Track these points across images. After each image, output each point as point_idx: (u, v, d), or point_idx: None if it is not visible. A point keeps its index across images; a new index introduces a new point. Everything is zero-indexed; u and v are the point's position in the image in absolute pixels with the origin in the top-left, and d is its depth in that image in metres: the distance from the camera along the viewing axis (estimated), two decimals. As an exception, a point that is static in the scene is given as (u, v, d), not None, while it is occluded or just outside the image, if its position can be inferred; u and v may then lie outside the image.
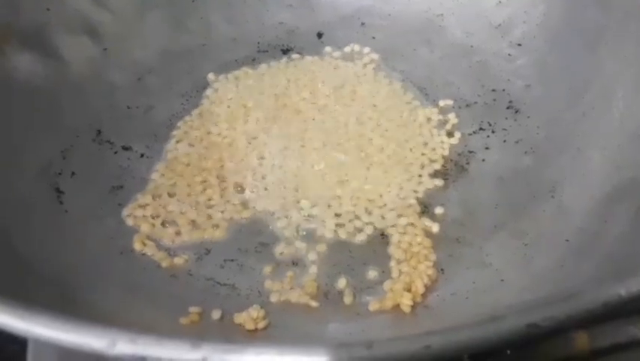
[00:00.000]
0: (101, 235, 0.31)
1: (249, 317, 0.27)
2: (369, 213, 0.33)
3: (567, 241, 0.29)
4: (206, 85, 0.40)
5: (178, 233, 0.32)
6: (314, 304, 0.29)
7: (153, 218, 0.32)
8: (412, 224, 0.32)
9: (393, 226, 0.32)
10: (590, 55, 0.35)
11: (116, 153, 0.36)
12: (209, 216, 0.33)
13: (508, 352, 0.31)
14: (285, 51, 0.43)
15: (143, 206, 0.33)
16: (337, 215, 0.33)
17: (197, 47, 0.42)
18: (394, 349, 0.14)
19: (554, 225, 0.30)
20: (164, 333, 0.19)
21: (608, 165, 0.31)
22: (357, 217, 0.33)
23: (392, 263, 0.30)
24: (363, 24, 0.44)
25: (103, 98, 0.38)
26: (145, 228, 0.32)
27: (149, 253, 0.31)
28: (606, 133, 0.33)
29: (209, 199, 0.33)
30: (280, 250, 0.31)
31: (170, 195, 0.33)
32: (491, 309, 0.25)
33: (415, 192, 0.34)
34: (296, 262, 0.31)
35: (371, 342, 0.14)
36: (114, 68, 0.39)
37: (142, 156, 0.36)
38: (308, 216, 0.33)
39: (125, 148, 0.36)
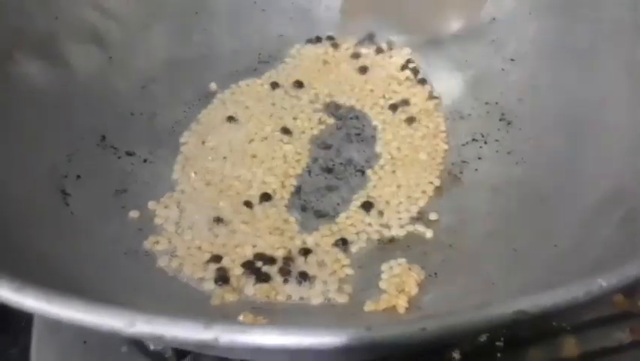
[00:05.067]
0: (105, 236, 0.32)
1: (249, 315, 0.28)
2: (369, 217, 0.34)
3: (556, 246, 0.30)
4: (208, 94, 0.41)
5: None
6: (312, 303, 0.30)
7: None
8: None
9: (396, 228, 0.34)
10: (581, 71, 0.36)
11: (119, 158, 0.37)
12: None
13: (499, 355, 0.32)
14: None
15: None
16: (338, 220, 0.34)
17: (200, 57, 0.44)
18: (392, 331, 0.15)
19: (543, 232, 0.31)
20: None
21: (595, 175, 0.32)
22: (358, 222, 0.34)
23: (384, 265, 0.31)
24: (361, 37, 0.45)
25: (108, 105, 0.39)
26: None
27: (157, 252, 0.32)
28: (595, 145, 0.34)
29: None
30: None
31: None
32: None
33: (417, 198, 0.35)
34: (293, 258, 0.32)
35: (370, 325, 0.15)
36: (119, 75, 0.40)
37: (145, 161, 0.37)
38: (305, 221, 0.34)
39: (129, 153, 0.37)
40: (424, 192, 0.35)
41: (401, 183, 0.36)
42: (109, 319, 0.16)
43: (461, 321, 0.15)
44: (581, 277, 0.19)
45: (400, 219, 0.34)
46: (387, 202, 0.35)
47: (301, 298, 0.30)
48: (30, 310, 0.17)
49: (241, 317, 0.27)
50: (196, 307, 0.29)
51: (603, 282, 0.16)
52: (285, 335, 0.15)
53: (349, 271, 0.31)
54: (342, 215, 0.34)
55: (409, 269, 0.31)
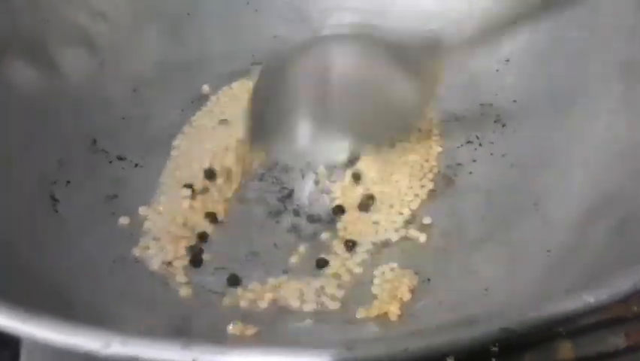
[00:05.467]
0: (95, 243, 0.31)
1: (238, 324, 0.28)
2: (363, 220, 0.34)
3: (549, 252, 0.30)
4: (201, 96, 0.41)
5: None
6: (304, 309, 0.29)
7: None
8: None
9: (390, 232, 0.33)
10: (575, 74, 0.36)
11: (110, 162, 0.36)
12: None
13: (494, 360, 0.32)
14: (279, 64, 0.44)
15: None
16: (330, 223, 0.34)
17: (193, 59, 0.43)
18: (374, 351, 0.15)
19: (537, 237, 0.31)
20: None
21: (590, 180, 0.32)
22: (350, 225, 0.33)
23: (376, 270, 0.31)
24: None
25: (99, 109, 0.38)
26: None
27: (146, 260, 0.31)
28: (589, 150, 0.34)
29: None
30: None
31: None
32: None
33: (409, 201, 0.34)
34: (286, 270, 0.31)
35: (352, 344, 0.15)
36: (111, 79, 0.40)
37: (136, 166, 0.36)
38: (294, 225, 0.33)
39: (120, 158, 0.36)
40: (416, 195, 0.35)
41: (392, 187, 0.35)
42: (84, 340, 0.16)
43: (445, 340, 0.15)
44: (573, 289, 0.18)
45: (394, 222, 0.34)
46: (380, 206, 0.34)
47: (295, 303, 0.30)
48: (3, 329, 0.17)
49: (230, 327, 0.27)
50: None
51: (591, 299, 0.16)
52: (265, 357, 0.15)
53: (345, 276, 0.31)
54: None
55: (402, 275, 0.30)
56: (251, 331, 0.27)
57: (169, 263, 0.31)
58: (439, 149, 0.37)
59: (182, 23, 0.44)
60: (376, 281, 0.30)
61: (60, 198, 0.33)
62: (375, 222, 0.34)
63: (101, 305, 0.27)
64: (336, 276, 0.31)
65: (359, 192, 0.35)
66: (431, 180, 0.36)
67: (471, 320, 0.16)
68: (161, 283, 0.31)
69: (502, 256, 0.31)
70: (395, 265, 0.31)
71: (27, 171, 0.33)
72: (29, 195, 0.32)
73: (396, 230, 0.33)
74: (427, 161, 0.36)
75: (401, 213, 0.34)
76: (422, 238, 0.33)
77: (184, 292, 0.30)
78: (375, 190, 0.35)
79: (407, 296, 0.29)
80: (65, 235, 0.31)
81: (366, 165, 0.36)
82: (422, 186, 0.35)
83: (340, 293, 0.30)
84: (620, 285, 0.17)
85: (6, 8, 0.37)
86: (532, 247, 0.31)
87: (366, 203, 0.34)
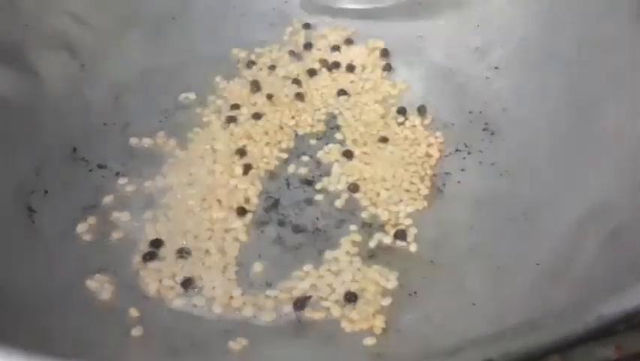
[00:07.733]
0: (72, 255, 0.30)
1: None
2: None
3: (538, 264, 0.29)
4: (184, 102, 0.40)
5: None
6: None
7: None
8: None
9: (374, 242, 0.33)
10: (565, 81, 0.36)
11: (90, 170, 0.35)
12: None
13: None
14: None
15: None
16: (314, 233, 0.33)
17: (177, 64, 0.42)
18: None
19: (527, 248, 0.30)
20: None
21: (580, 189, 0.32)
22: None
23: (358, 279, 0.30)
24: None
25: (79, 115, 0.38)
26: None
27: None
28: (580, 158, 0.33)
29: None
30: (255, 269, 0.31)
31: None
32: (461, 334, 0.25)
33: (396, 211, 0.34)
34: (269, 283, 0.31)
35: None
36: (92, 84, 0.39)
37: (117, 174, 0.35)
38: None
39: (100, 166, 0.36)
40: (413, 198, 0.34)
41: (381, 196, 0.35)
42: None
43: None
44: (565, 308, 0.18)
45: (380, 229, 0.33)
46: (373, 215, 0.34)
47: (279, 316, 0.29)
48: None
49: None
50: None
51: (579, 328, 0.15)
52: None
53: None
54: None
55: (384, 283, 0.30)
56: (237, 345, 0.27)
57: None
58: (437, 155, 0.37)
59: (166, 27, 0.43)
60: (347, 282, 0.30)
61: (37, 208, 0.32)
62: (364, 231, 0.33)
63: (72, 320, 0.26)
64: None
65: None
66: (419, 189, 0.35)
67: (454, 350, 0.15)
68: (140, 297, 0.30)
69: (490, 268, 0.30)
70: (378, 274, 0.30)
71: (2, 180, 0.32)
72: (4, 205, 0.31)
73: (382, 239, 0.32)
74: (415, 172, 0.36)
75: (388, 222, 0.33)
76: (411, 248, 0.32)
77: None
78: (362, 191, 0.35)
79: (381, 301, 0.29)
80: (41, 247, 0.30)
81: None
82: (413, 199, 0.35)
83: (323, 307, 0.29)
84: (609, 311, 0.16)
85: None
86: (521, 258, 0.30)
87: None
